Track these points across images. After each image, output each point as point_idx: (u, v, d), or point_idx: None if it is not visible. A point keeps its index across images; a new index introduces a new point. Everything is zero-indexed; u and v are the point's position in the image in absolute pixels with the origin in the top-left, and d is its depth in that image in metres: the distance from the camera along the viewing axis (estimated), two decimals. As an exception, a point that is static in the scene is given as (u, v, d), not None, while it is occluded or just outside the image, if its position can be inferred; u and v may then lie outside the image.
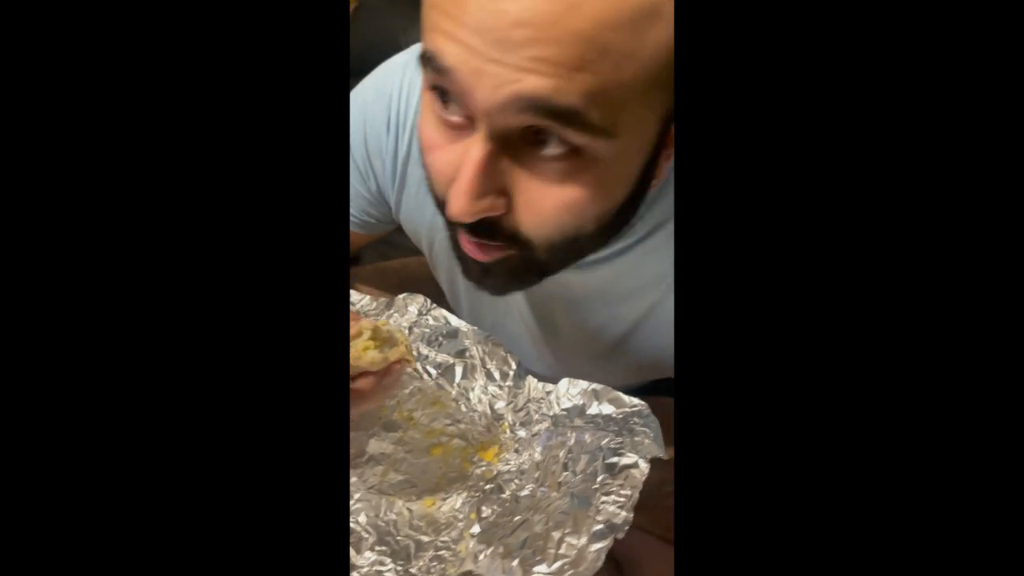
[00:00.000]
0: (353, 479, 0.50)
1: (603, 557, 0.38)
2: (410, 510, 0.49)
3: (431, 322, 0.57)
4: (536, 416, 0.51)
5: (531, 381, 0.53)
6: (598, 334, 0.57)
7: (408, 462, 0.51)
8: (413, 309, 0.58)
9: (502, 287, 0.46)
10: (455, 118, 0.38)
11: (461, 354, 0.55)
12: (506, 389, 0.54)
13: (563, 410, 0.50)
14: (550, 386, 0.52)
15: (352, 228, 0.65)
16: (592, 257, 0.49)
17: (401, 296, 0.58)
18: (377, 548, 0.46)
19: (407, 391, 0.55)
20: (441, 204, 0.41)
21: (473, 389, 0.54)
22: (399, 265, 0.82)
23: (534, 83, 0.33)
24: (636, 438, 0.44)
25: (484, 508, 0.46)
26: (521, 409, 0.52)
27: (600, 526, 0.39)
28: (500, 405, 0.53)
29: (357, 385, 0.45)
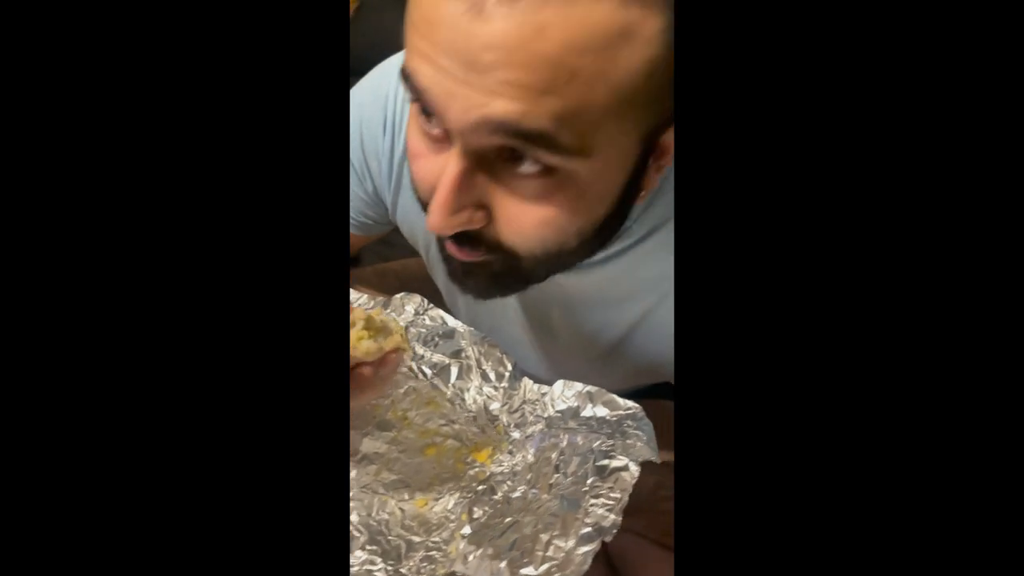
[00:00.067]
0: (346, 478, 0.50)
1: (590, 560, 0.38)
2: (402, 510, 0.49)
3: (427, 322, 0.57)
4: (531, 418, 0.51)
5: (527, 382, 0.53)
6: (594, 338, 0.57)
7: (402, 462, 0.52)
8: (410, 309, 0.58)
9: (485, 290, 0.46)
10: (436, 131, 0.39)
11: (457, 354, 0.55)
12: (501, 390, 0.54)
13: (557, 412, 0.50)
14: (545, 388, 0.52)
15: (350, 229, 0.65)
16: (587, 260, 0.49)
17: (398, 296, 0.58)
18: (368, 547, 0.46)
19: (402, 391, 0.55)
20: (427, 210, 0.42)
21: (468, 390, 0.54)
22: (399, 266, 0.82)
23: (503, 107, 0.34)
24: (628, 441, 0.44)
25: (476, 509, 0.47)
26: (516, 410, 0.53)
27: (588, 529, 0.39)
28: (495, 406, 0.53)
29: (353, 375, 0.44)
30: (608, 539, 0.39)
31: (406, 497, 0.50)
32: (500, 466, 0.50)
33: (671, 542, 0.55)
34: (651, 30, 0.33)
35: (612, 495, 0.41)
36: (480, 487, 0.49)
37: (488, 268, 0.43)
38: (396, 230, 0.64)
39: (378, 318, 0.45)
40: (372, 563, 0.45)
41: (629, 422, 0.46)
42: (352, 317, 0.44)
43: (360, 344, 0.43)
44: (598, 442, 0.44)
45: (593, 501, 0.41)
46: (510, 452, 0.50)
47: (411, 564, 0.45)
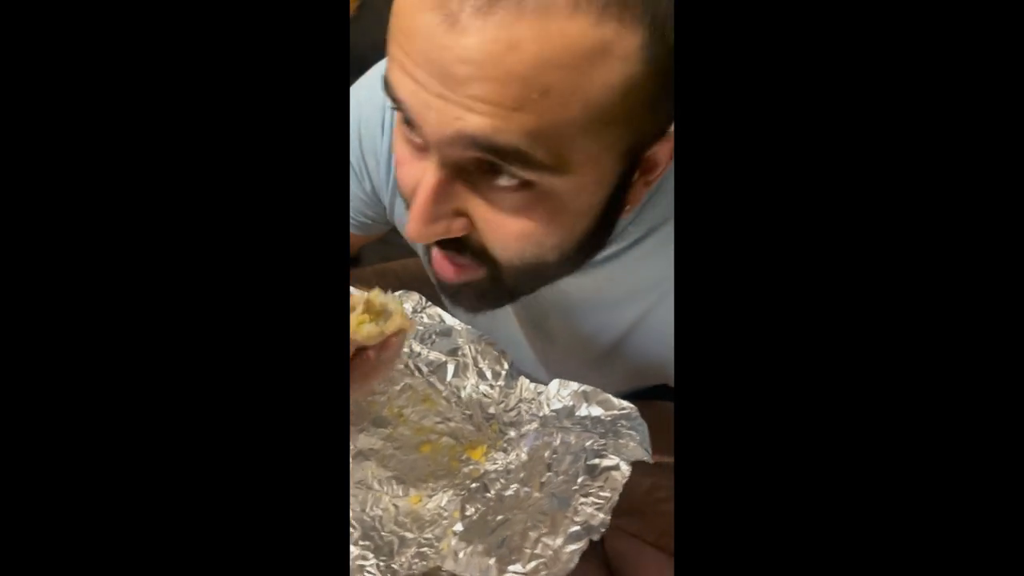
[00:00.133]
0: (341, 473, 0.50)
1: (577, 558, 0.38)
2: (396, 506, 0.49)
3: (425, 320, 0.57)
4: (527, 416, 0.52)
5: (523, 381, 0.53)
6: (592, 339, 0.57)
7: (397, 458, 0.52)
8: (408, 307, 0.58)
9: (474, 307, 0.46)
10: (417, 140, 0.39)
11: (454, 352, 0.56)
12: (497, 389, 0.54)
13: (552, 411, 0.50)
14: (541, 387, 0.52)
15: (350, 229, 0.65)
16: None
17: (396, 294, 0.59)
18: (361, 543, 0.46)
19: (398, 388, 0.55)
20: None
21: (464, 388, 0.55)
22: (399, 266, 0.82)
23: (476, 122, 0.34)
24: (620, 440, 0.44)
25: (468, 506, 0.47)
26: (512, 409, 0.53)
27: (577, 527, 0.39)
28: (491, 405, 0.54)
29: (356, 361, 0.44)
30: (596, 538, 0.39)
31: (400, 493, 0.50)
32: (494, 464, 0.50)
33: (669, 543, 0.55)
34: (628, 47, 0.33)
35: (602, 494, 0.41)
36: (474, 484, 0.49)
37: (473, 287, 0.43)
38: (395, 230, 0.64)
39: (378, 300, 0.44)
40: (364, 558, 0.45)
41: (623, 422, 0.46)
42: (352, 301, 0.43)
43: (361, 328, 0.42)
44: (590, 441, 0.44)
45: (583, 500, 0.41)
46: (504, 450, 0.51)
47: (403, 560, 0.45)
